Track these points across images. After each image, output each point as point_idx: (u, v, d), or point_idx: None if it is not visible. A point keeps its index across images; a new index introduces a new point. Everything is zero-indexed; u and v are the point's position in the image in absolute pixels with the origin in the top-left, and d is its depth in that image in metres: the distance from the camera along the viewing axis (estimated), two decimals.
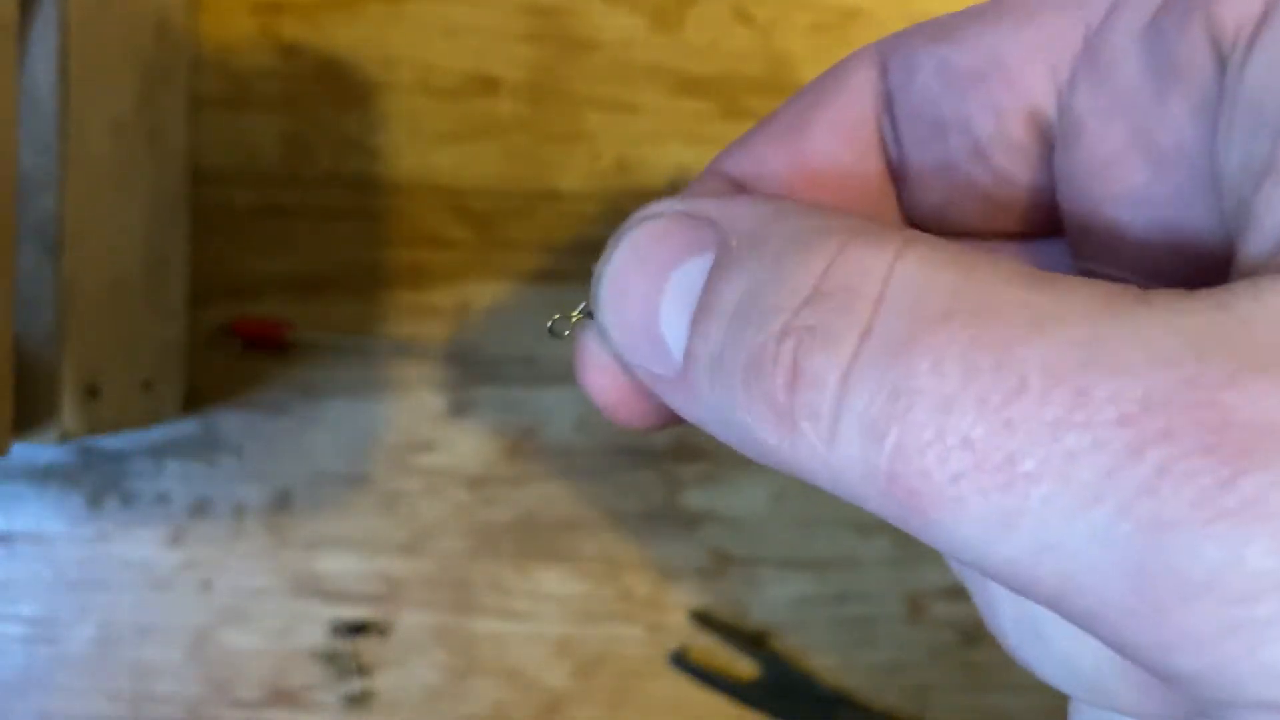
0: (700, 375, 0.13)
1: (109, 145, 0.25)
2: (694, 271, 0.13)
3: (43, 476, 0.31)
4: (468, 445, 0.31)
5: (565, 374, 0.31)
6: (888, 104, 0.15)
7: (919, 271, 0.11)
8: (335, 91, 0.30)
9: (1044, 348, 0.10)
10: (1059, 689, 0.14)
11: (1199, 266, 0.13)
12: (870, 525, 0.31)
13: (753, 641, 0.31)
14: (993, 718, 0.32)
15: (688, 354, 0.13)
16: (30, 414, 0.23)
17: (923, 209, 0.16)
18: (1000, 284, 0.11)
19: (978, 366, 0.10)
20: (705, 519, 0.31)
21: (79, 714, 0.30)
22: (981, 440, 0.10)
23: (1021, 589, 0.11)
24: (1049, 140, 0.14)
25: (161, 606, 0.30)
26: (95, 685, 0.30)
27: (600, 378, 0.15)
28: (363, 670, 0.31)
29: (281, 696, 0.31)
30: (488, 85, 0.30)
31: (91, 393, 0.25)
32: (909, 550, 0.31)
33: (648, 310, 0.13)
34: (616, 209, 0.30)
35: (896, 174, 0.16)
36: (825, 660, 0.31)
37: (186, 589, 0.30)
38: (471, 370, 0.31)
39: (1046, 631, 0.14)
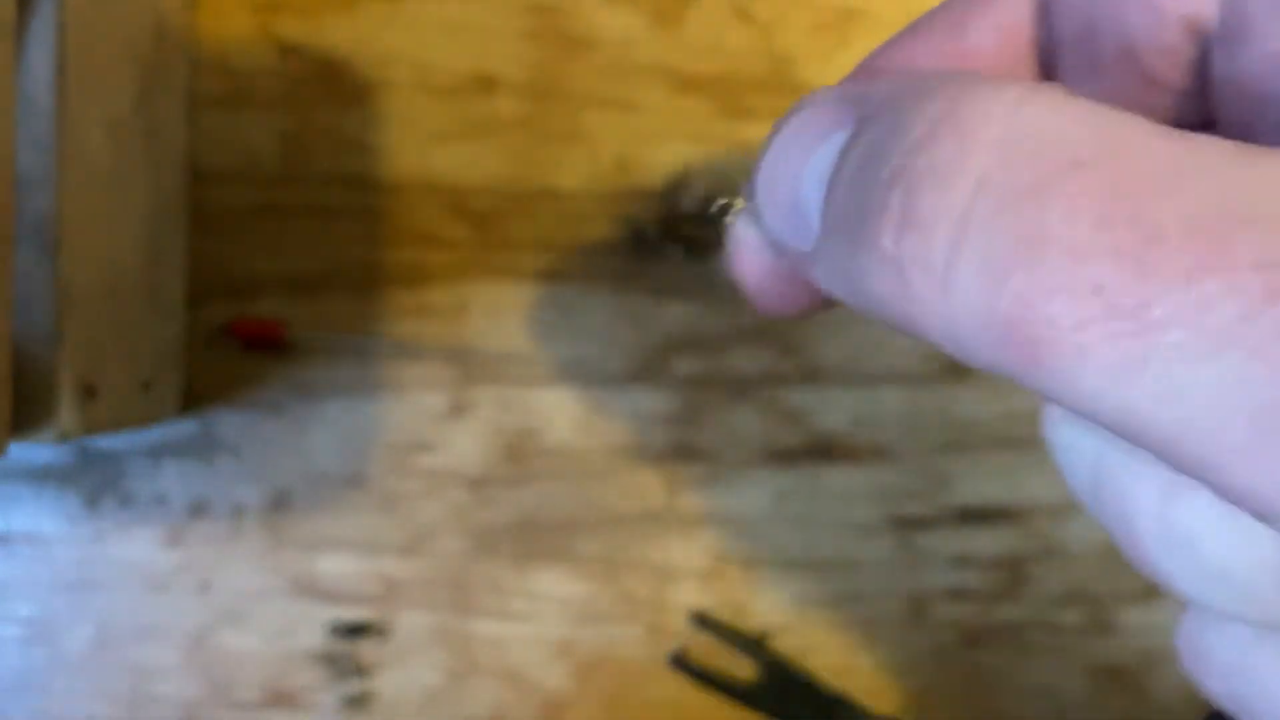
0: (829, 239, 0.13)
1: (106, 144, 0.25)
2: (834, 146, 0.13)
3: (40, 477, 0.31)
4: (467, 445, 0.31)
5: (565, 374, 0.31)
6: (1043, 6, 0.15)
7: (1044, 117, 0.11)
8: (334, 90, 0.30)
9: (1180, 198, 0.10)
10: (1196, 598, 0.14)
11: None
12: (872, 526, 0.31)
13: (753, 643, 0.31)
14: (994, 719, 0.32)
15: (822, 221, 0.13)
16: (27, 414, 0.23)
17: None
18: (1133, 135, 0.11)
19: (1112, 215, 0.10)
20: (705, 520, 0.31)
21: (76, 715, 0.30)
22: (1113, 287, 0.10)
23: (1133, 436, 0.11)
24: (1205, 42, 0.14)
25: (159, 607, 0.30)
26: (92, 686, 0.30)
27: (751, 263, 0.16)
28: (362, 671, 0.31)
29: (280, 697, 0.31)
30: (487, 84, 0.30)
31: (89, 393, 0.25)
32: (910, 552, 0.31)
33: (793, 186, 0.14)
34: (616, 208, 0.30)
35: (1045, 77, 0.16)
36: (826, 662, 0.31)
37: (184, 590, 0.30)
38: (471, 370, 0.31)
39: (1199, 538, 0.14)
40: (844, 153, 0.13)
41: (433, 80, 0.30)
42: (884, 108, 0.13)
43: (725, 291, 0.30)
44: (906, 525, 0.31)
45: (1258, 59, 0.14)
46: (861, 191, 0.12)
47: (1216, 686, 0.15)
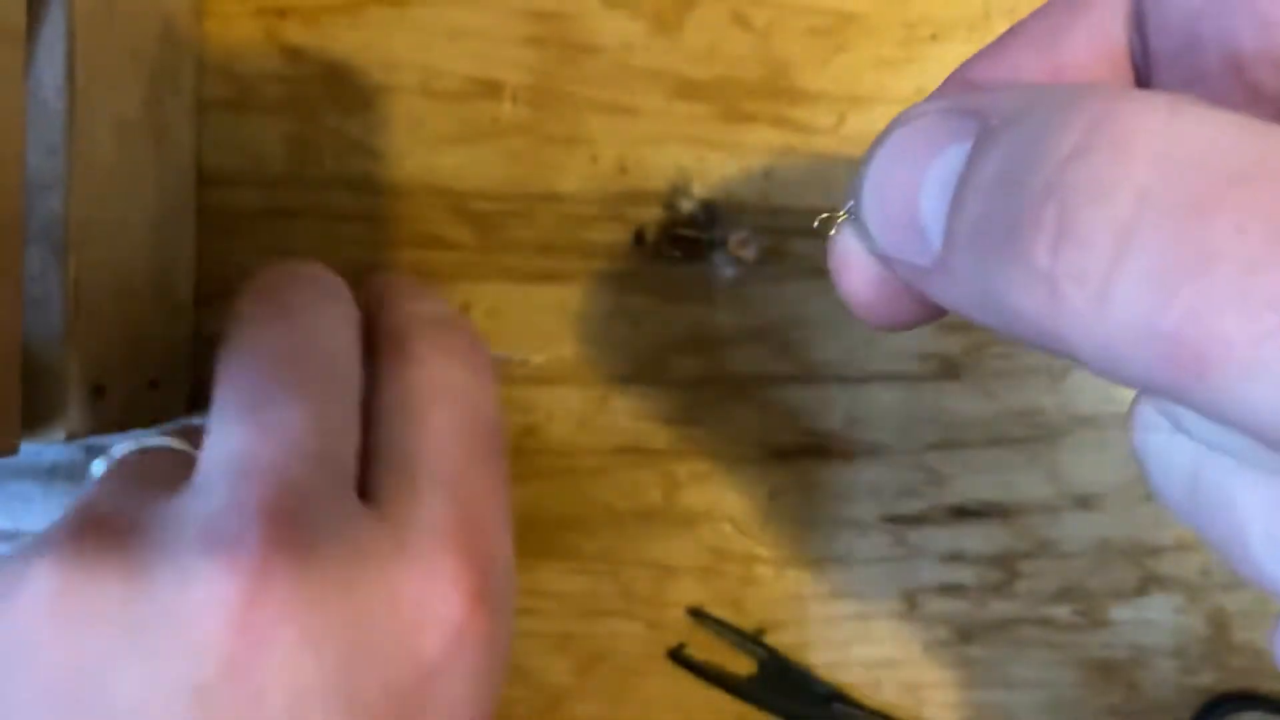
0: (959, 253, 0.13)
1: (115, 147, 0.25)
2: (954, 158, 0.13)
3: (48, 476, 0.31)
4: None
5: (566, 373, 0.31)
6: (1138, 18, 0.15)
7: (1199, 129, 0.11)
8: (339, 95, 0.30)
9: None
10: None
11: None
12: (867, 523, 0.31)
13: (750, 638, 0.31)
14: (989, 713, 0.32)
15: (947, 234, 0.13)
16: (37, 413, 0.23)
17: None
18: None
19: None
20: (704, 517, 0.31)
21: None
22: None
23: None
24: None
25: None
26: None
27: (858, 278, 0.15)
28: None
29: None
30: (489, 88, 0.30)
31: (98, 392, 0.25)
32: (904, 548, 0.31)
33: (908, 200, 0.13)
34: (616, 211, 0.31)
35: (1142, 88, 0.15)
36: (822, 656, 0.31)
37: None
38: None
39: None
40: (974, 164, 0.13)
41: (437, 85, 0.30)
42: (1018, 117, 0.12)
43: (723, 293, 0.31)
44: (901, 522, 0.31)
45: None
46: (1005, 203, 0.12)
47: None
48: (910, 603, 0.31)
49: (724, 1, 0.30)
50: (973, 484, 0.31)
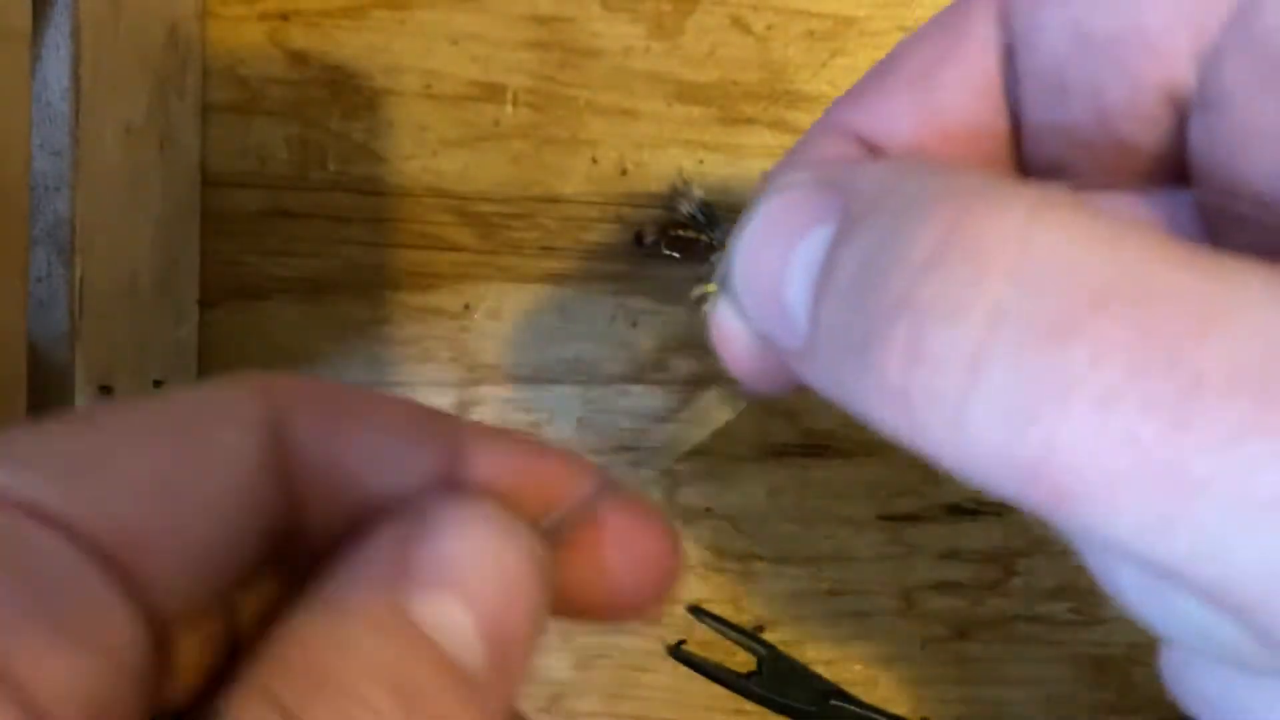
0: (822, 348, 0.12)
1: (121, 150, 0.26)
2: (816, 244, 0.12)
3: None
4: None
5: (567, 373, 0.31)
6: (1008, 60, 0.14)
7: (1058, 240, 0.10)
8: (342, 98, 0.30)
9: (1221, 344, 0.09)
10: (1177, 643, 0.14)
11: None
12: (865, 521, 0.32)
13: (749, 634, 0.31)
14: (985, 710, 0.32)
15: (811, 325, 0.12)
16: (44, 412, 0.23)
17: (1037, 166, 0.15)
18: (1158, 264, 0.10)
19: (1147, 360, 0.09)
20: (703, 515, 0.31)
21: None
22: (1148, 440, 0.09)
23: (1169, 580, 0.10)
24: (1183, 110, 0.13)
25: None
26: None
27: (735, 347, 0.15)
28: None
29: None
30: (491, 92, 0.30)
31: (104, 392, 0.25)
32: (902, 546, 0.32)
33: (775, 281, 0.13)
34: (617, 213, 0.31)
35: (1016, 131, 0.15)
36: (820, 652, 0.31)
37: None
38: (476, 370, 0.31)
39: (1178, 601, 0.13)
40: (832, 259, 0.12)
41: (439, 88, 0.30)
42: (875, 208, 0.12)
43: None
44: (898, 520, 0.31)
45: (1237, 132, 0.13)
46: (860, 313, 0.11)
47: (1201, 714, 0.15)
48: (907, 600, 0.32)
49: (724, 5, 0.30)
50: (969, 483, 0.31)
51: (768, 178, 0.14)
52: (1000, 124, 0.15)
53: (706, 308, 0.15)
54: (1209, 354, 0.09)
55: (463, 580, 0.13)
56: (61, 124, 0.24)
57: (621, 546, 0.15)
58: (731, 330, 0.15)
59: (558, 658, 0.31)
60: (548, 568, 0.14)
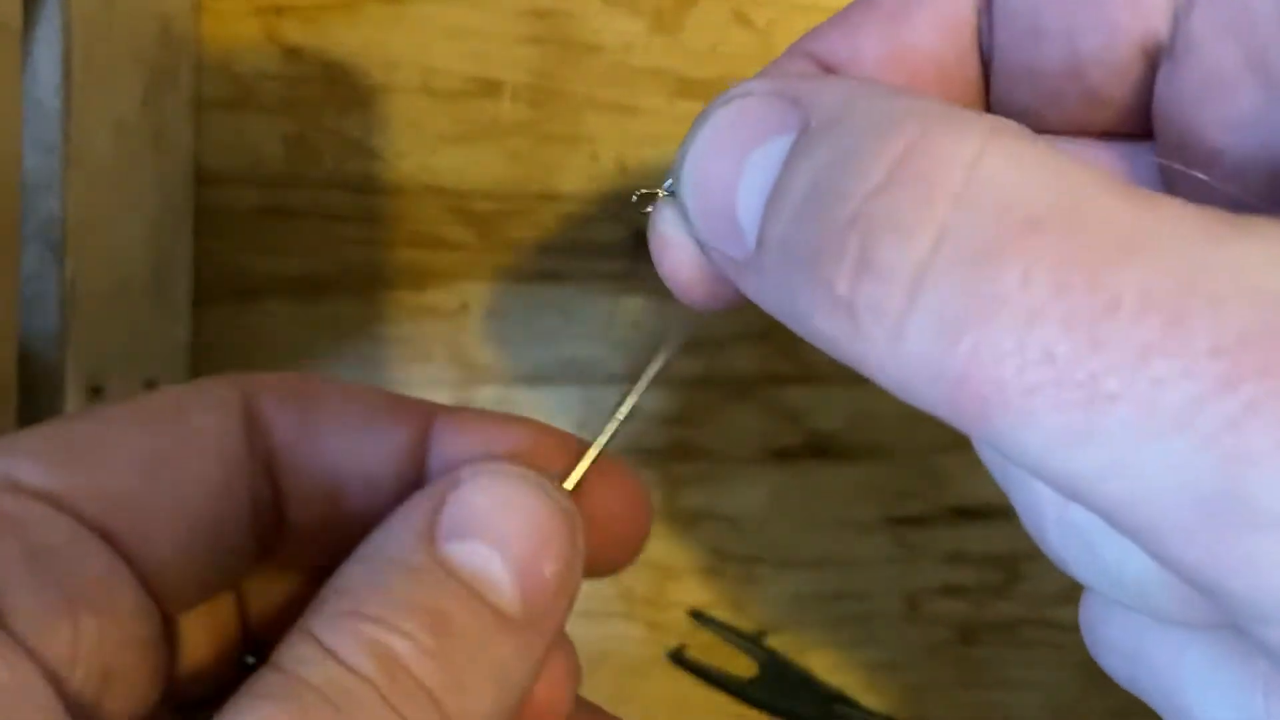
0: (769, 260, 0.12)
1: (113, 146, 0.25)
2: (774, 152, 0.13)
3: None
4: None
5: (566, 373, 0.31)
6: (985, 2, 0.15)
7: (1005, 168, 0.11)
8: (337, 94, 0.30)
9: (1141, 270, 0.10)
10: (1093, 588, 0.14)
11: None
12: (869, 524, 0.31)
13: (751, 639, 0.31)
14: (990, 715, 0.32)
15: (760, 237, 0.13)
16: (34, 414, 0.23)
17: (1004, 113, 0.15)
18: (1095, 194, 0.11)
19: (1069, 282, 0.10)
20: (704, 518, 0.31)
21: None
22: (1065, 356, 0.10)
23: (1075, 498, 0.11)
24: (1154, 60, 0.14)
25: None
26: None
27: (676, 257, 0.15)
28: None
29: None
30: (489, 87, 0.30)
31: (95, 392, 0.25)
32: (906, 550, 0.31)
33: (726, 191, 0.13)
34: (616, 211, 0.31)
35: (985, 74, 0.15)
36: (823, 658, 0.31)
37: None
38: (472, 370, 0.31)
39: (1094, 539, 0.14)
40: (788, 171, 0.12)
41: (435, 84, 0.30)
42: (836, 125, 0.12)
43: None
44: (902, 523, 0.31)
45: (1198, 80, 0.13)
46: (812, 225, 0.12)
47: (1115, 667, 0.15)
48: (912, 604, 0.31)
49: (725, 0, 0.30)
50: (974, 485, 0.31)
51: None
52: (971, 68, 0.15)
53: (649, 211, 0.15)
54: (1128, 278, 0.10)
55: (490, 527, 0.15)
56: (53, 120, 0.23)
57: (602, 504, 0.17)
58: (674, 239, 0.14)
59: None
60: (575, 517, 0.15)
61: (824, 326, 0.12)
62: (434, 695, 0.13)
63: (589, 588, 0.31)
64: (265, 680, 0.13)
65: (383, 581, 0.14)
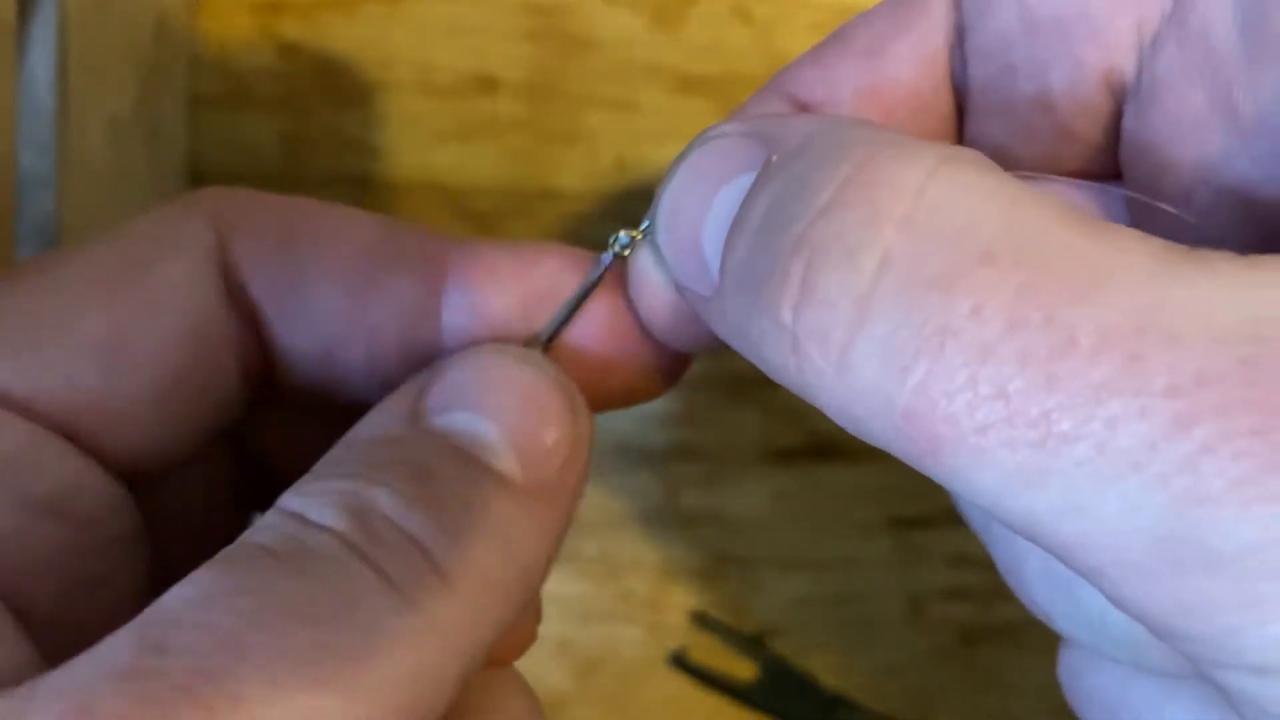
0: (728, 291, 0.12)
1: (107, 145, 0.25)
2: (738, 190, 0.13)
3: None
4: None
5: None
6: (958, 37, 0.15)
7: (956, 195, 0.11)
8: (334, 91, 0.30)
9: (1097, 306, 0.10)
10: (1076, 640, 0.14)
11: (1268, 237, 0.13)
12: (871, 526, 0.31)
13: (752, 642, 0.31)
14: (993, 718, 0.32)
15: (720, 269, 0.13)
16: None
17: (980, 146, 0.15)
18: (1050, 226, 0.10)
19: (1024, 318, 0.10)
20: (705, 519, 0.31)
21: None
22: (1019, 394, 0.10)
23: (1031, 538, 0.11)
24: (1120, 99, 0.14)
25: None
26: None
27: (654, 298, 0.15)
28: None
29: None
30: (487, 85, 0.30)
31: None
32: (909, 552, 0.31)
33: (694, 229, 0.13)
34: (616, 209, 0.31)
35: (960, 111, 0.15)
36: (825, 661, 0.31)
37: None
38: None
39: (1077, 591, 0.14)
40: (747, 203, 0.12)
41: (433, 81, 0.30)
42: (793, 157, 0.12)
43: None
44: (905, 525, 0.31)
45: (1165, 122, 0.13)
46: (763, 252, 0.12)
47: (1095, 719, 0.15)
48: (914, 607, 0.31)
49: None
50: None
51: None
52: (945, 103, 0.15)
53: (628, 255, 0.15)
54: (1084, 315, 0.10)
55: (483, 402, 0.14)
56: (47, 118, 0.23)
57: (606, 326, 0.16)
58: (652, 280, 0.15)
59: (556, 667, 0.31)
60: (570, 387, 0.14)
61: (771, 355, 0.12)
62: (419, 542, 0.12)
63: (587, 590, 0.31)
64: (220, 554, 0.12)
65: (369, 450, 0.13)
